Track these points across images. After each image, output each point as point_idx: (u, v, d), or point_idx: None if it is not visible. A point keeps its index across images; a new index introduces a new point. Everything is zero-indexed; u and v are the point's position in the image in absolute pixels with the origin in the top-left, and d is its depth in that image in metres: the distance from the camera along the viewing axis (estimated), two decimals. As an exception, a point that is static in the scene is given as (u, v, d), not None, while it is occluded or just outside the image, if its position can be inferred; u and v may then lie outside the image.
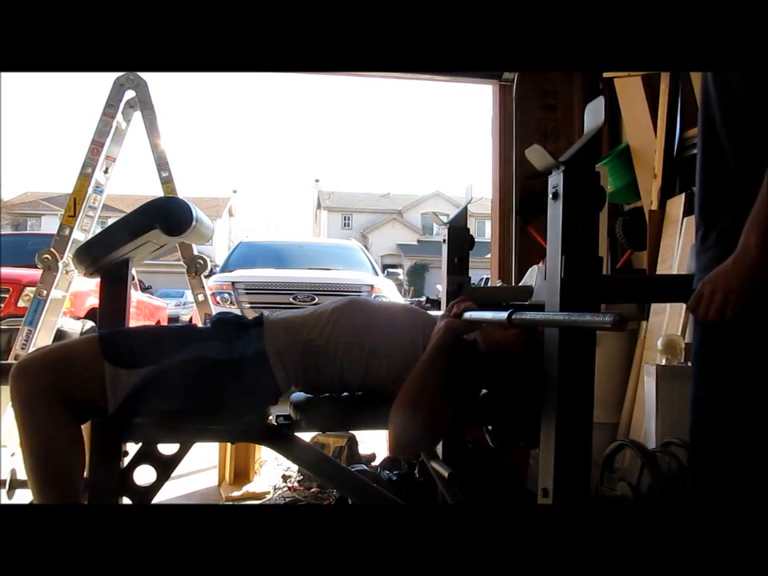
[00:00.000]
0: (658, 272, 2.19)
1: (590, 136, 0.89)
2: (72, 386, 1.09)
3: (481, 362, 1.18)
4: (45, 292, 2.61)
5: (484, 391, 1.25)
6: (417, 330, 1.21)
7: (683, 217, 2.13)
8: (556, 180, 0.92)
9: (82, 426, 1.15)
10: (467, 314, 1.14)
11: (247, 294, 4.78)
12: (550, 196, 0.93)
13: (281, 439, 1.23)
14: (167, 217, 1.20)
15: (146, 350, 1.12)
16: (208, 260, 3.02)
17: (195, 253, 2.96)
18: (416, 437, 1.07)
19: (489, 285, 4.04)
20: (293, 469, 2.42)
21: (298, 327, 1.18)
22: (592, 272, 0.93)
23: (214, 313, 2.87)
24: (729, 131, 0.90)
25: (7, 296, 3.70)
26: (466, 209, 1.60)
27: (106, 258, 1.29)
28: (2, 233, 9.04)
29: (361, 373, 1.17)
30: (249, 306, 4.70)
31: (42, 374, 1.07)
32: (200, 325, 2.65)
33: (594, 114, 0.89)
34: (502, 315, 0.94)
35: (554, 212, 0.93)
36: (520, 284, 2.58)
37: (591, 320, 0.77)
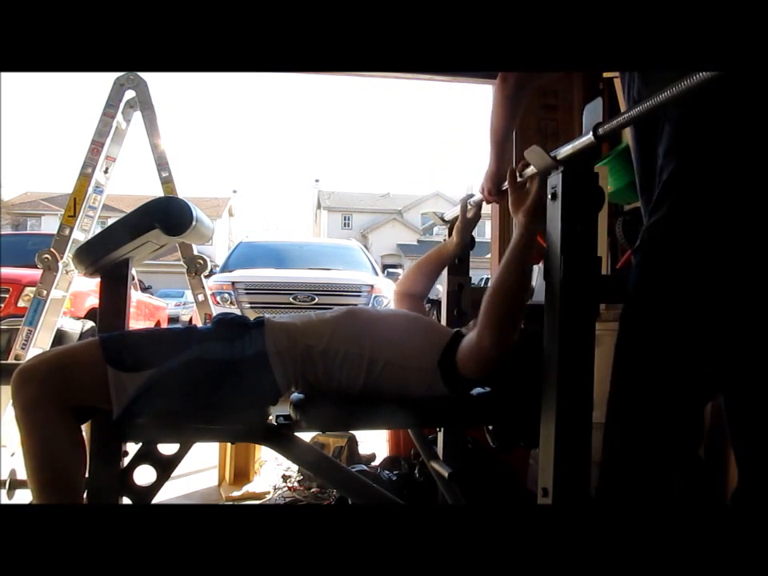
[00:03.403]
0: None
1: None
2: (75, 391, 1.09)
3: None
4: (45, 292, 2.61)
5: (483, 390, 1.25)
6: (418, 335, 1.21)
7: (683, 217, 2.12)
8: (555, 180, 0.92)
9: (82, 426, 1.15)
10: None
11: (247, 294, 4.79)
12: (549, 196, 0.94)
13: (281, 439, 1.23)
14: (167, 217, 1.20)
15: (149, 353, 1.12)
16: (208, 260, 3.02)
17: (195, 253, 2.96)
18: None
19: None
20: (293, 469, 2.42)
21: (298, 332, 1.18)
22: (591, 272, 0.93)
23: (214, 313, 2.88)
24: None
25: (7, 296, 3.71)
26: (466, 209, 1.59)
27: (106, 258, 1.29)
28: (2, 233, 9.04)
29: (361, 379, 1.17)
30: (249, 306, 4.71)
31: (45, 380, 1.07)
32: (200, 326, 2.65)
33: (592, 115, 0.89)
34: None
35: (553, 212, 0.93)
36: (520, 284, 2.57)
37: None
